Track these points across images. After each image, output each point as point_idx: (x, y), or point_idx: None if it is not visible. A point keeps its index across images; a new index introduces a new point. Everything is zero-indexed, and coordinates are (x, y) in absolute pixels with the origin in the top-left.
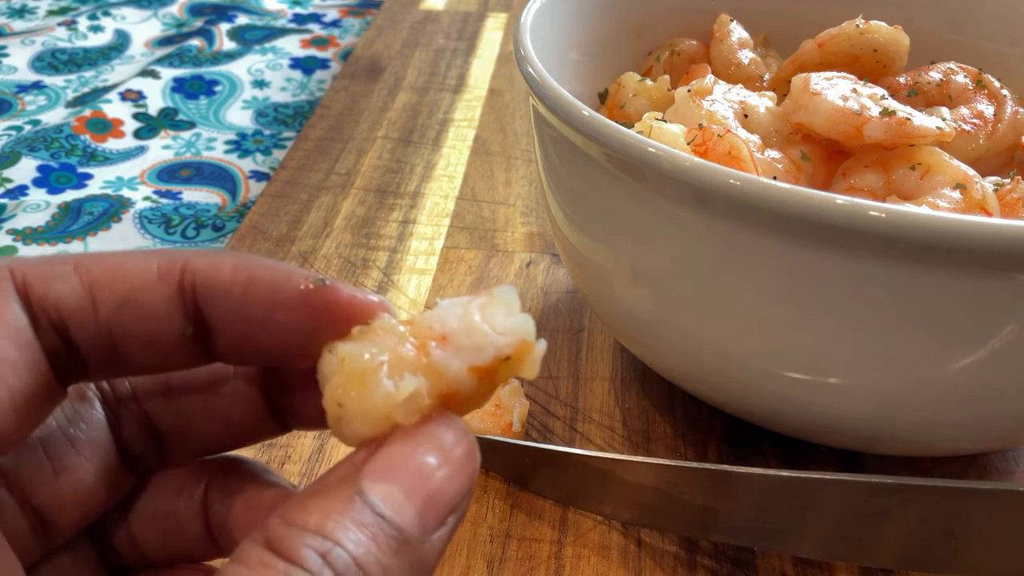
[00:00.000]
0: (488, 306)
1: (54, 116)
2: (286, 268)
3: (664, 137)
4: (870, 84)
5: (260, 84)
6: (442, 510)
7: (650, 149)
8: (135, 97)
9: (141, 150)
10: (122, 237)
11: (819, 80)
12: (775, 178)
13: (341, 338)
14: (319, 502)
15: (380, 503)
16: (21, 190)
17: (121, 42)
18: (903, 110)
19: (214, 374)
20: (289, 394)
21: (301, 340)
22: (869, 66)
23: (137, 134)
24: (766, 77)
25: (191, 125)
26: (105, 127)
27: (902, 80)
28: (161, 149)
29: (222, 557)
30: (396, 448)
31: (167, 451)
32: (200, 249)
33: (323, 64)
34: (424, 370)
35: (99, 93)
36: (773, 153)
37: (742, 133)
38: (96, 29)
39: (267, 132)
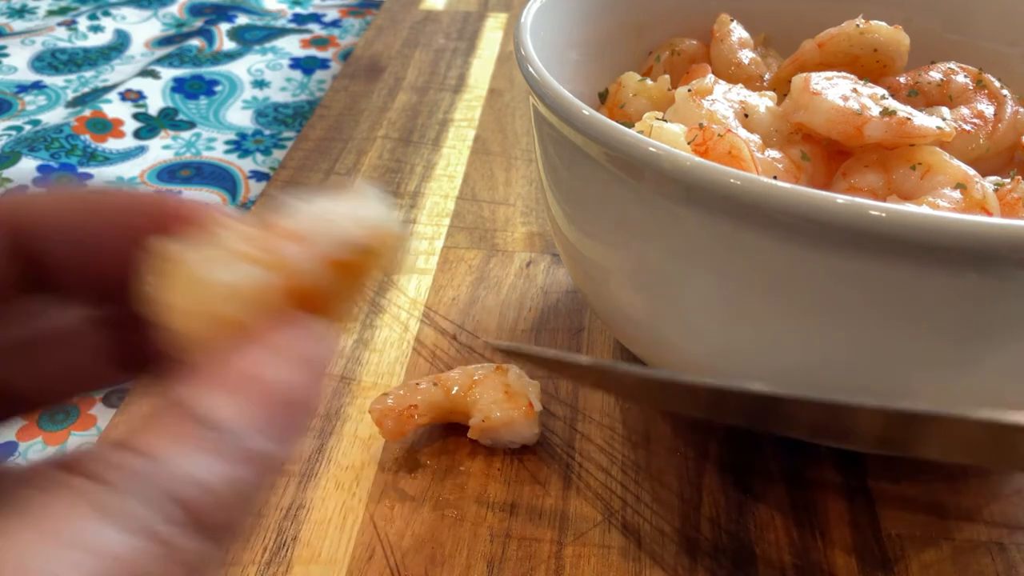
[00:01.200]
0: (347, 200)
1: (54, 116)
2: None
3: (664, 137)
4: (870, 84)
5: (260, 84)
6: (287, 415)
7: (650, 149)
8: (135, 97)
9: (141, 150)
10: None
11: (819, 80)
12: (775, 178)
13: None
14: (148, 422)
15: (217, 412)
16: (21, 190)
17: (121, 42)
18: (903, 110)
19: (55, 324)
20: (136, 330)
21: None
22: (869, 66)
23: (137, 134)
24: (766, 77)
25: (191, 125)
26: (105, 127)
27: (902, 80)
28: (161, 149)
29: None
30: (234, 352)
31: (7, 406)
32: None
33: (323, 64)
34: (272, 266)
35: (99, 93)
36: (773, 153)
37: (742, 133)
38: (96, 29)
39: (267, 132)
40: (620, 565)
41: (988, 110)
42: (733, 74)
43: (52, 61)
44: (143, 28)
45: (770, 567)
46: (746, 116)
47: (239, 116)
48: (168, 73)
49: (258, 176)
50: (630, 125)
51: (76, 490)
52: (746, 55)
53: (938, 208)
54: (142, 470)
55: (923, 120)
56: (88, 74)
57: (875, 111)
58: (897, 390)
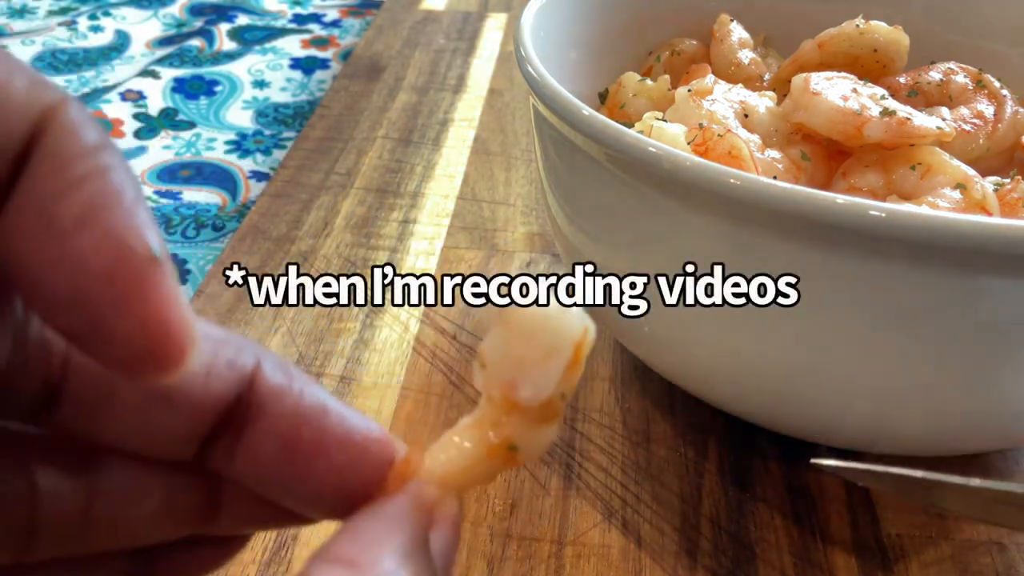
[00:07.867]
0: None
1: None
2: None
3: (664, 137)
4: (870, 84)
5: (260, 84)
6: None
7: (650, 149)
8: (135, 97)
9: (141, 150)
10: None
11: (819, 80)
12: (775, 178)
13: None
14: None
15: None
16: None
17: (121, 42)
18: (903, 110)
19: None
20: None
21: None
22: (869, 66)
23: (137, 134)
24: (766, 77)
25: (191, 125)
26: (105, 127)
27: (902, 80)
28: (161, 149)
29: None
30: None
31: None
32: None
33: (323, 64)
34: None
35: (99, 93)
36: (773, 153)
37: (742, 133)
38: (96, 29)
39: (267, 132)
40: (620, 565)
41: (988, 110)
42: (733, 74)
43: (52, 61)
44: (143, 28)
45: (770, 567)
46: (746, 116)
47: (239, 116)
48: (168, 73)
49: (258, 176)
50: (630, 125)
51: None
52: (746, 55)
53: (938, 208)
54: None
55: (923, 120)
56: (88, 74)
57: (875, 111)
58: (895, 390)
